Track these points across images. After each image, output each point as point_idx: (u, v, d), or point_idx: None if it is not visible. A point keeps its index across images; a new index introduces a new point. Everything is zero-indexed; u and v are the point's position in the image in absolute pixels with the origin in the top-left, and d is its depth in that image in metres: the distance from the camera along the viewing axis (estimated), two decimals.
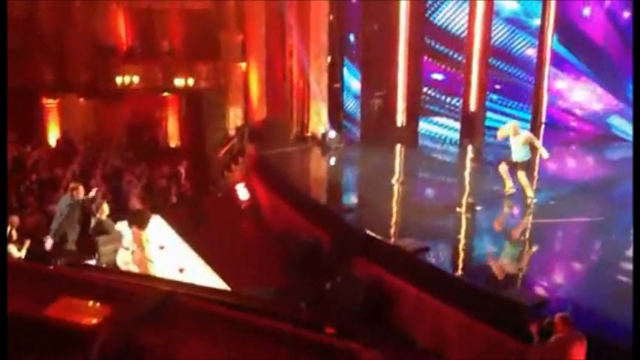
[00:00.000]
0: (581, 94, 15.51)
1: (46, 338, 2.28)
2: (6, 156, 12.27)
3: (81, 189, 9.06)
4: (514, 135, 10.23)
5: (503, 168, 10.45)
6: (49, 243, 8.85)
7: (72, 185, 9.23)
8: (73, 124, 16.24)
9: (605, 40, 14.59)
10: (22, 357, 2.31)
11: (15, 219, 9.26)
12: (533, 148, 10.49)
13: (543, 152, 10.33)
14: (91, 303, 2.42)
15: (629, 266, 7.97)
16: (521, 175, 10.17)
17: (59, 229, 8.83)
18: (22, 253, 8.62)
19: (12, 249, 8.46)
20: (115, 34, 16.80)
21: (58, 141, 15.95)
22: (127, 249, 7.76)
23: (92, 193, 9.13)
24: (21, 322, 2.35)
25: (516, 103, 15.87)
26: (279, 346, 2.12)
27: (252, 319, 2.31)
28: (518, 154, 10.20)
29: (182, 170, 14.10)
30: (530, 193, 10.16)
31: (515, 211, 10.52)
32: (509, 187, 10.50)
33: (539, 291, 7.54)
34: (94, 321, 2.27)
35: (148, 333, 2.22)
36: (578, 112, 15.70)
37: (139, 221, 7.64)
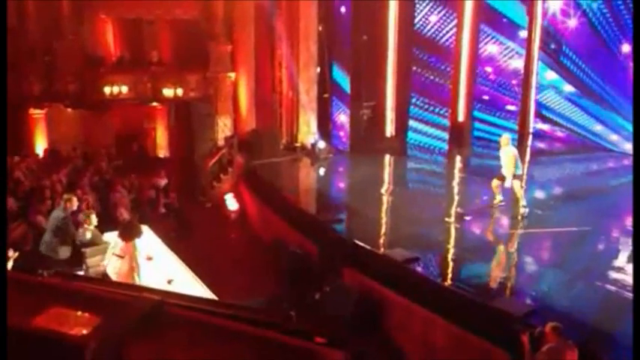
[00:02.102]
0: (568, 105, 15.67)
1: (36, 349, 2.26)
2: (6, 160, 12.17)
3: (74, 200, 8.96)
4: (505, 145, 10.30)
5: (495, 183, 10.50)
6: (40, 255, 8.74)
7: (65, 197, 9.12)
8: (60, 134, 16.13)
9: (593, 50, 14.78)
10: None
11: None
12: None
13: (517, 176, 10.23)
14: (80, 313, 2.40)
15: (617, 275, 8.04)
16: (517, 184, 10.23)
17: (52, 242, 8.70)
18: (9, 265, 8.52)
19: None
20: (104, 44, 16.76)
21: (45, 151, 15.83)
22: (120, 257, 7.66)
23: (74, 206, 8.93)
24: (9, 333, 2.33)
25: (503, 114, 16.02)
26: (269, 355, 2.11)
27: (243, 327, 2.30)
28: (508, 169, 10.23)
29: (170, 181, 14.03)
30: (523, 202, 10.23)
31: (504, 221, 10.57)
32: (499, 200, 10.57)
33: (528, 300, 7.56)
34: (84, 331, 2.25)
35: (138, 343, 2.21)
36: (565, 123, 15.86)
37: (129, 232, 7.54)
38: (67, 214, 8.77)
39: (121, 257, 7.45)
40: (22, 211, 11.02)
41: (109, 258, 7.83)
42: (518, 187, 10.25)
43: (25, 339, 2.28)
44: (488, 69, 15.91)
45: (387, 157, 15.13)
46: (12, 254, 8.73)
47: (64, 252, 8.65)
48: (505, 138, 10.45)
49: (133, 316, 2.33)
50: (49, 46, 15.68)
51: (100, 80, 15.79)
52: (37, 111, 15.91)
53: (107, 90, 15.70)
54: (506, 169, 10.24)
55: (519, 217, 10.15)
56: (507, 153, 10.26)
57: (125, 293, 2.67)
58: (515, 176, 10.22)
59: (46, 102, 15.85)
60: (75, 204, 8.93)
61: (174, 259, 8.49)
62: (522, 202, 10.23)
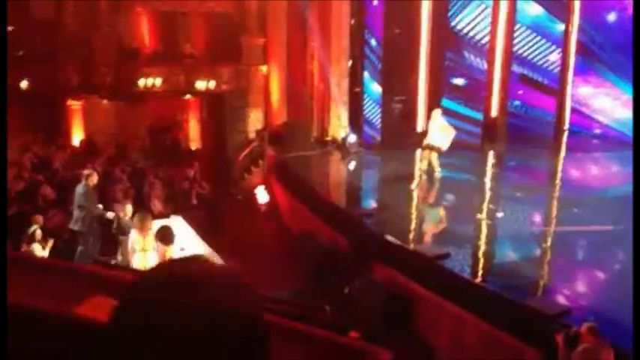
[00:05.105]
0: (606, 101, 15.32)
1: (77, 336, 2.30)
2: (6, 156, 12.42)
3: (95, 175, 9.17)
4: (432, 120, 12.00)
5: (423, 155, 12.17)
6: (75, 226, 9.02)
7: (85, 172, 9.31)
8: (96, 125, 16.40)
9: (630, 45, 14.40)
10: (51, 354, 2.33)
11: (39, 218, 9.38)
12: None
13: (435, 147, 11.93)
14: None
15: None
16: (434, 156, 11.93)
17: (78, 217, 8.94)
18: (46, 252, 8.73)
19: (36, 248, 8.58)
20: (139, 36, 16.96)
21: (82, 142, 16.13)
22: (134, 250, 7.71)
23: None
24: (49, 320, 2.37)
25: (538, 109, 15.74)
26: (307, 348, 2.12)
27: (279, 321, 2.31)
28: (433, 138, 11.85)
29: (201, 172, 14.17)
30: (438, 169, 11.99)
31: (537, 218, 10.42)
32: (438, 171, 12.03)
33: (562, 299, 7.45)
34: None
35: None
36: (602, 119, 15.51)
37: (163, 236, 7.54)
38: (88, 189, 8.96)
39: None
40: (60, 200, 11.27)
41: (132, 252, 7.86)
42: (435, 158, 11.90)
43: (66, 325, 2.33)
44: (523, 64, 15.62)
45: (418, 152, 14.99)
46: (49, 242, 8.97)
47: (90, 224, 8.84)
48: (435, 111, 12.25)
49: None
50: (86, 38, 15.94)
51: (134, 72, 16.00)
52: (75, 102, 16.20)
53: (141, 82, 15.90)
54: (439, 139, 11.74)
55: (434, 182, 11.88)
56: (440, 124, 11.88)
57: None
58: (434, 148, 11.83)
59: (82, 93, 16.13)
60: (95, 179, 9.14)
61: (206, 249, 8.58)
62: (437, 169, 11.95)
